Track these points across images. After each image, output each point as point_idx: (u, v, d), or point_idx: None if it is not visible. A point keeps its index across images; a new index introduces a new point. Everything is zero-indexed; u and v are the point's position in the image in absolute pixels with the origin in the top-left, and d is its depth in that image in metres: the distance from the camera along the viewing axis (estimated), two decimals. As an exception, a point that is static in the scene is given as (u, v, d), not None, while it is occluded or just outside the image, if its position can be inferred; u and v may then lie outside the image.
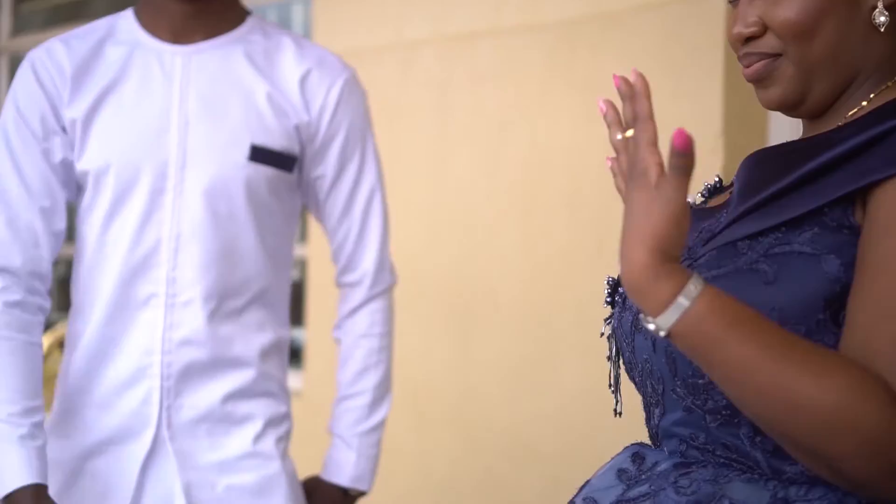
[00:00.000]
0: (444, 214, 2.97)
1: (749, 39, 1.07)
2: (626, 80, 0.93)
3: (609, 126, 1.01)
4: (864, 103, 1.05)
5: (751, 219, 1.00)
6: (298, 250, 3.69)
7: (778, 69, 1.06)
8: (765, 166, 1.05)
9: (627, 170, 0.94)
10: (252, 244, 1.66)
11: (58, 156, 1.64)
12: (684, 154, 0.87)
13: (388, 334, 1.79)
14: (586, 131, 2.65)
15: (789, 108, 1.08)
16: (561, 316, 2.72)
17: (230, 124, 1.64)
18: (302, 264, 3.53)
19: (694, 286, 0.88)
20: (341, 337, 1.77)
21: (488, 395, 2.93)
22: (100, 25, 1.70)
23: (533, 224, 2.78)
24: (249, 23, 1.72)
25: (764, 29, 1.05)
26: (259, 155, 1.64)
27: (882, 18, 1.02)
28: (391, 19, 3.07)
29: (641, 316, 0.91)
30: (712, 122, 2.46)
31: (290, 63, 1.69)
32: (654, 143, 0.91)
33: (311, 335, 3.30)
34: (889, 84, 1.04)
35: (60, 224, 1.66)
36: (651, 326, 0.90)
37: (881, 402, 0.85)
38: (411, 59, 3.03)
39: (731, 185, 1.22)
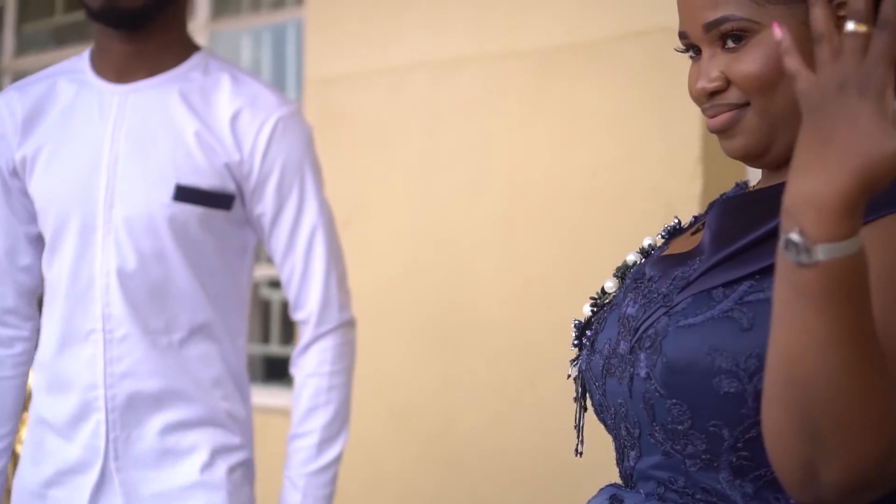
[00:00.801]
0: (428, 237, 3.00)
1: (714, 93, 1.07)
2: None
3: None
4: None
5: (725, 267, 1.00)
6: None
7: (743, 120, 1.06)
8: (736, 214, 1.06)
9: (845, 75, 0.83)
10: (185, 281, 1.68)
11: (16, 195, 1.72)
12: None
13: (339, 372, 1.75)
14: (566, 157, 2.69)
15: (752, 159, 1.08)
16: (543, 339, 2.74)
17: (157, 163, 1.66)
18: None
19: (862, 239, 0.83)
20: (294, 374, 1.77)
21: (473, 418, 2.95)
22: (61, 66, 1.78)
23: (515, 247, 2.81)
24: (193, 60, 1.73)
25: (727, 83, 1.06)
26: (185, 194, 1.66)
27: None
28: (380, 44, 3.12)
29: (796, 232, 0.83)
30: (691, 149, 2.49)
31: (223, 101, 1.70)
32: (895, 60, 0.81)
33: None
34: None
35: (25, 259, 1.74)
36: (802, 244, 0.82)
37: None
38: (400, 83, 3.07)
39: (691, 226, 1.23)
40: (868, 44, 0.82)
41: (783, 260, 0.84)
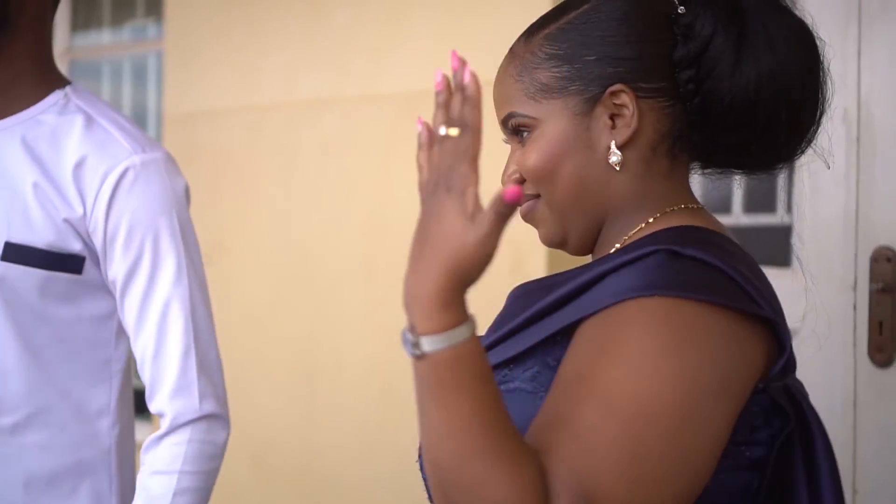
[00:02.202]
0: (290, 275, 3.01)
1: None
2: (462, 67, 0.90)
3: (438, 107, 0.92)
4: (625, 238, 1.08)
5: (490, 355, 1.02)
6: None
7: (537, 210, 1.10)
8: (521, 301, 1.08)
9: (438, 175, 0.89)
10: (14, 357, 1.45)
11: None
12: (511, 206, 0.85)
13: (195, 475, 1.46)
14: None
15: (557, 246, 1.12)
16: (404, 378, 2.76)
17: None
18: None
19: (468, 329, 0.88)
20: (140, 471, 1.49)
21: (334, 455, 2.96)
22: None
23: (376, 286, 2.84)
24: (51, 99, 1.51)
25: (522, 177, 1.09)
26: (16, 253, 1.43)
27: (615, 158, 1.05)
28: (241, 82, 3.12)
29: (407, 329, 0.88)
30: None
31: (70, 147, 1.46)
32: (478, 159, 0.87)
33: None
34: (657, 215, 1.07)
35: None
36: (409, 339, 0.88)
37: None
38: (260, 122, 3.07)
39: None
40: (457, 146, 0.88)
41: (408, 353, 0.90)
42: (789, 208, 2.28)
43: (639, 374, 0.91)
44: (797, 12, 1.10)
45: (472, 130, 0.87)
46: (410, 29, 2.78)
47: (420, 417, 0.91)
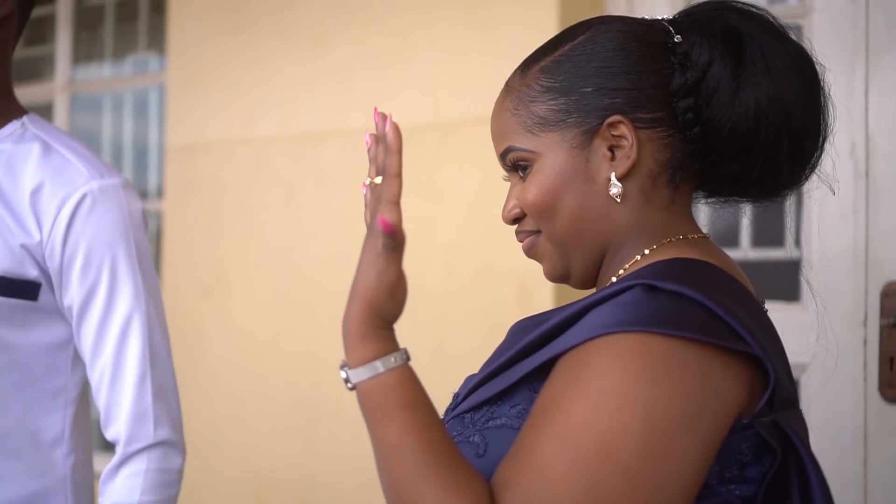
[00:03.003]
0: (290, 309, 2.98)
1: (517, 219, 1.10)
2: (383, 121, 0.97)
3: (370, 161, 1.00)
4: (622, 271, 1.07)
5: (477, 392, 1.03)
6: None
7: (539, 246, 1.09)
8: (516, 337, 1.07)
9: (369, 217, 0.97)
10: None
11: None
12: (392, 235, 0.92)
13: (153, 503, 1.46)
14: (426, 234, 2.71)
15: (560, 281, 1.11)
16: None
17: None
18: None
19: (395, 359, 0.93)
20: (99, 498, 1.49)
21: (335, 488, 2.92)
22: None
23: (378, 321, 2.81)
24: (8, 129, 1.52)
25: (523, 211, 1.09)
26: None
27: (615, 190, 1.04)
28: (243, 114, 3.11)
29: (342, 363, 0.95)
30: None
31: (27, 174, 1.47)
32: (395, 201, 0.93)
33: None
34: (654, 247, 1.06)
35: None
36: (343, 374, 0.95)
37: None
38: (261, 154, 3.06)
39: None
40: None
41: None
42: (798, 242, 2.26)
43: (599, 409, 0.91)
44: (795, 38, 1.09)
45: (389, 176, 0.93)
46: (412, 62, 2.77)
47: (375, 454, 0.95)
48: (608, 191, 1.05)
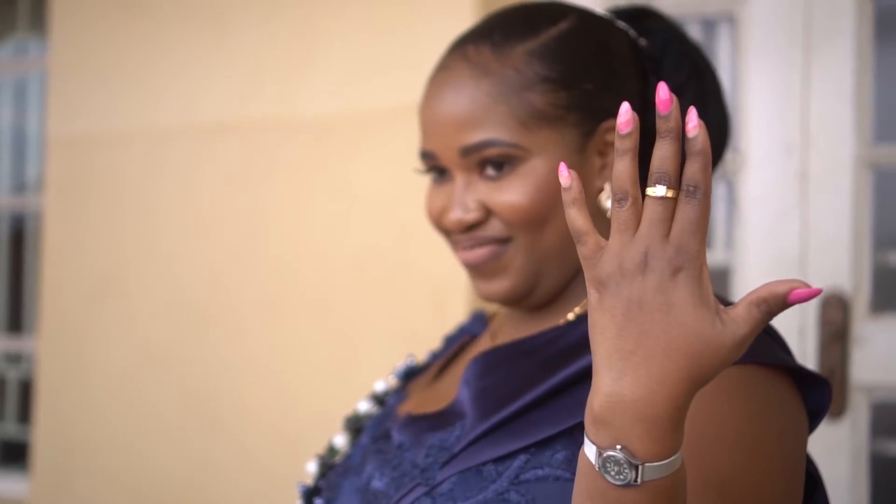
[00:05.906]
0: (190, 312, 2.76)
1: (472, 226, 0.95)
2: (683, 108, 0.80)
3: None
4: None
5: (495, 438, 0.86)
6: (26, 344, 3.38)
7: (504, 256, 0.94)
8: (500, 372, 0.93)
9: (649, 249, 0.66)
10: None
11: None
12: (788, 306, 0.68)
13: None
14: (337, 235, 2.54)
15: (513, 302, 0.96)
16: (309, 425, 2.57)
17: None
18: (30, 360, 3.23)
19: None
20: None
21: (232, 509, 2.73)
22: None
23: (282, 328, 2.62)
24: None
25: (487, 214, 0.94)
26: None
27: (609, 203, 0.93)
28: (137, 104, 2.87)
29: (618, 450, 0.67)
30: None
31: None
32: (707, 233, 0.68)
33: (39, 436, 2.99)
34: None
35: None
36: (625, 463, 0.66)
37: None
38: (158, 147, 2.83)
39: (429, 365, 1.11)
40: (674, 213, 0.66)
41: (594, 476, 0.67)
42: (729, 245, 2.17)
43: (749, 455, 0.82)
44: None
45: (700, 194, 0.65)
46: (324, 49, 2.59)
47: None
48: (600, 203, 0.94)
